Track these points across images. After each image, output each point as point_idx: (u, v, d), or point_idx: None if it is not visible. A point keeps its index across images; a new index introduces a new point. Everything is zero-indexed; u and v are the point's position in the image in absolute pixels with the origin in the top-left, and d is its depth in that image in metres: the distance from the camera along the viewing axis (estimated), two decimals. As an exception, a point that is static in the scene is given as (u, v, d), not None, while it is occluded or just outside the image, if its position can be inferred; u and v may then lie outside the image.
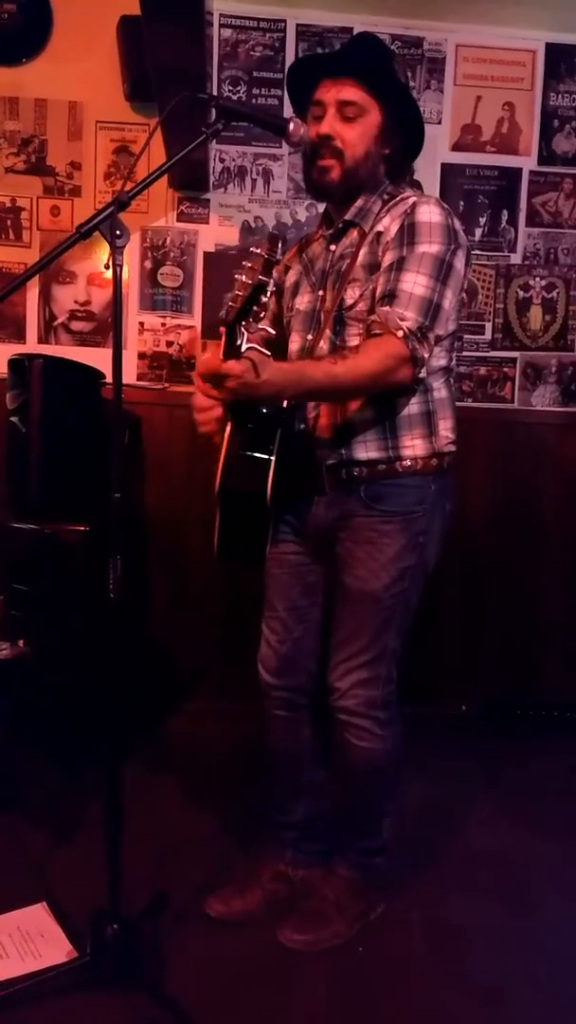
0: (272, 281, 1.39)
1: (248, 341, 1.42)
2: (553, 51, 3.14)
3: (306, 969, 1.78)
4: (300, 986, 1.74)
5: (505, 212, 3.20)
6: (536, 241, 3.22)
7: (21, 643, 2.56)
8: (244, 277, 1.40)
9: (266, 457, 1.65)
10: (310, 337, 1.81)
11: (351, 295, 1.74)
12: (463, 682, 3.26)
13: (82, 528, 2.49)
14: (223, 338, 1.43)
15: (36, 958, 1.72)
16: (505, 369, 3.25)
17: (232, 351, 1.42)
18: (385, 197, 1.77)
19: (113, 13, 2.87)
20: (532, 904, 2.05)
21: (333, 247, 1.82)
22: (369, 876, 1.93)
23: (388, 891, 1.98)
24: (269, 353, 1.46)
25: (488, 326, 3.22)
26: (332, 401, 1.74)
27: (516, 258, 3.22)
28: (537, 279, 3.23)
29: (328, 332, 1.76)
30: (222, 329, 1.43)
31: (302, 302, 1.86)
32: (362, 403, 1.72)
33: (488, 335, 3.22)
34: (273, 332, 1.61)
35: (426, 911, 1.99)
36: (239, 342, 1.41)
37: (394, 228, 1.69)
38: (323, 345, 1.77)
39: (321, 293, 1.82)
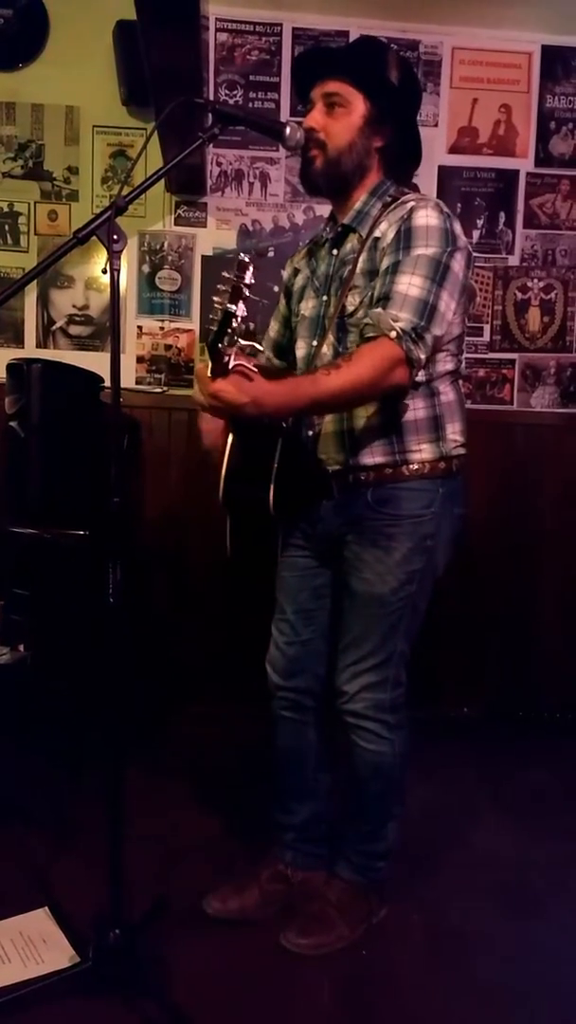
0: (240, 307, 1.38)
1: (236, 358, 1.42)
2: (549, 53, 3.15)
3: (309, 973, 1.77)
4: (302, 990, 1.73)
5: (502, 214, 3.20)
6: (534, 243, 3.22)
7: (21, 648, 2.56)
8: (217, 300, 1.40)
9: (268, 466, 1.63)
10: (314, 343, 1.82)
11: (352, 302, 1.74)
12: (465, 685, 3.26)
13: (81, 533, 2.49)
14: (210, 357, 1.44)
15: (38, 963, 1.72)
16: (504, 371, 3.25)
17: (220, 369, 1.42)
18: (387, 199, 1.76)
19: (109, 18, 2.88)
20: (534, 907, 2.04)
21: (335, 252, 1.82)
22: (371, 880, 1.93)
23: (390, 894, 1.98)
24: (256, 370, 1.45)
25: (486, 328, 3.22)
26: (334, 412, 1.73)
27: (514, 260, 3.22)
28: (535, 281, 3.24)
29: (331, 338, 1.77)
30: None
31: (307, 307, 1.87)
32: (367, 409, 1.71)
33: (486, 337, 3.22)
34: (262, 348, 1.60)
35: (428, 914, 1.99)
36: (226, 359, 1.41)
37: (391, 233, 1.69)
38: (326, 351, 1.77)
39: (325, 299, 1.82)
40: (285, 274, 2.02)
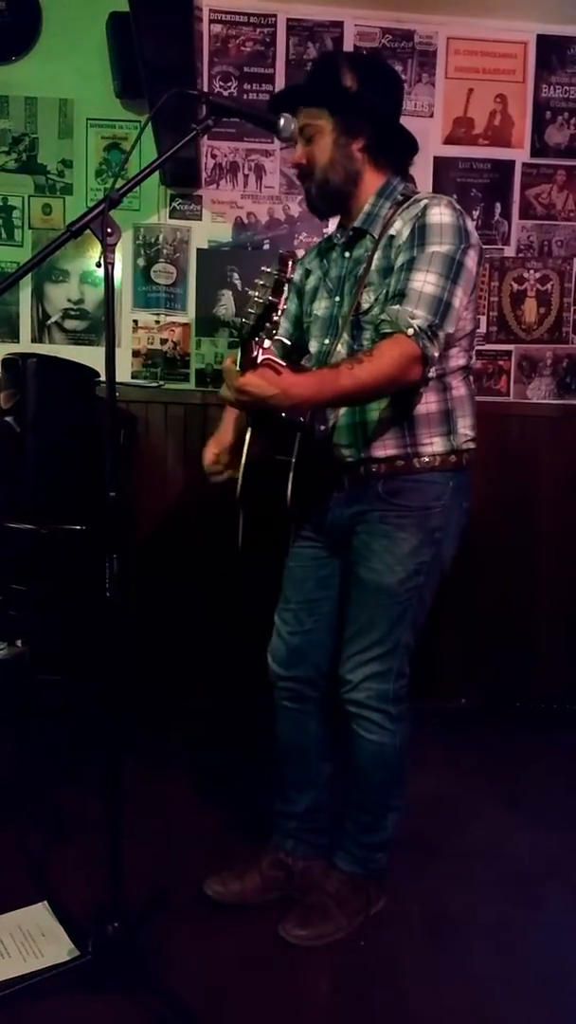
0: (283, 300, 1.44)
1: (264, 353, 1.47)
2: (544, 43, 3.14)
3: (308, 964, 1.78)
4: (302, 981, 1.74)
5: (498, 205, 3.19)
6: (530, 233, 3.21)
7: (19, 643, 2.56)
8: (256, 294, 1.45)
9: (286, 460, 1.65)
10: (327, 341, 1.85)
11: (366, 299, 1.76)
12: (463, 676, 3.27)
13: (78, 527, 2.49)
14: (240, 351, 1.50)
15: (38, 957, 1.72)
16: (500, 362, 3.25)
17: (248, 363, 1.47)
18: (398, 198, 1.78)
19: (102, 10, 2.86)
20: (532, 897, 2.05)
21: (348, 254, 1.85)
22: (370, 871, 1.94)
23: (389, 884, 1.98)
24: (284, 364, 1.50)
25: (483, 319, 3.21)
26: (354, 405, 1.75)
27: (510, 251, 3.22)
28: (531, 271, 3.23)
29: (345, 336, 1.79)
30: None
31: (320, 307, 1.89)
32: (380, 402, 1.74)
33: (483, 328, 3.22)
34: (289, 343, 1.64)
35: (426, 904, 2.00)
36: (255, 354, 1.46)
37: (406, 231, 1.71)
38: (340, 349, 1.80)
39: (338, 299, 1.84)
40: (296, 275, 2.03)
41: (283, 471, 1.64)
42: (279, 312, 1.43)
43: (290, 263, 1.40)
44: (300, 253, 2.10)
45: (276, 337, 1.47)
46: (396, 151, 1.83)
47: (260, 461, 1.68)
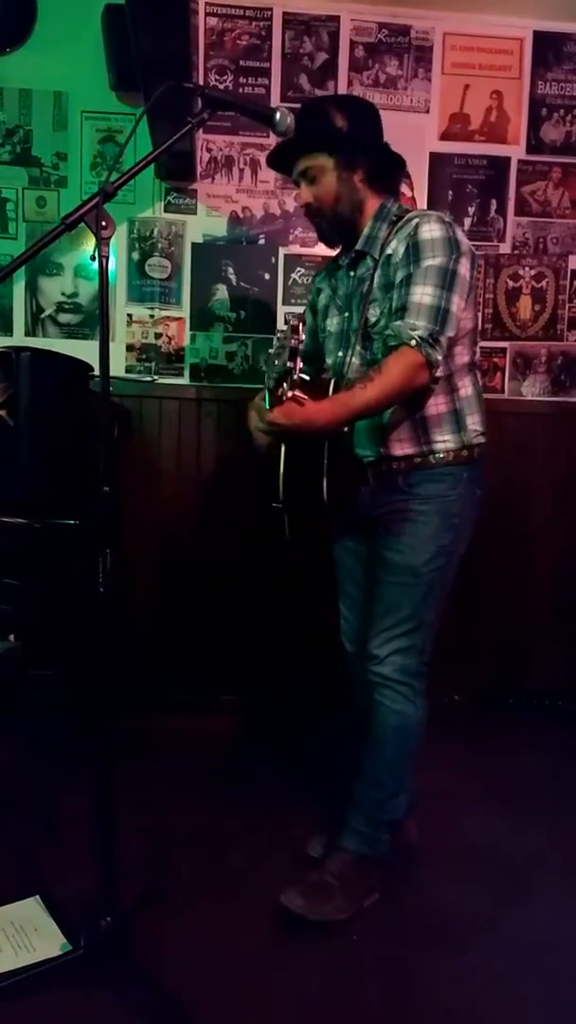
0: (297, 363, 1.67)
1: (288, 390, 1.68)
2: (541, 39, 3.13)
3: (301, 958, 1.78)
4: (294, 976, 1.74)
5: (494, 201, 3.19)
6: (525, 230, 3.22)
7: (11, 638, 2.55)
8: (273, 353, 1.76)
9: (319, 463, 1.83)
10: (341, 354, 2.03)
11: (373, 313, 1.93)
12: (456, 672, 3.27)
13: (71, 522, 2.48)
14: (266, 392, 1.80)
15: (30, 952, 1.72)
16: (495, 359, 3.25)
17: (275, 400, 1.71)
18: (393, 219, 1.95)
19: (98, 2, 2.85)
20: (525, 892, 2.05)
21: (352, 273, 2.03)
22: (374, 851, 1.98)
23: (384, 878, 1.99)
24: (306, 397, 1.69)
25: (478, 316, 3.21)
26: (372, 416, 1.89)
27: (505, 247, 3.22)
28: (526, 269, 3.23)
29: (359, 348, 1.97)
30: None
31: (333, 324, 2.09)
32: (395, 408, 1.90)
33: (479, 325, 3.21)
34: (308, 378, 1.79)
35: (419, 899, 2.00)
36: (279, 393, 1.69)
37: (401, 249, 1.88)
38: (355, 360, 1.98)
39: (347, 314, 2.03)
40: (311, 294, 2.25)
41: (318, 474, 1.82)
42: (296, 372, 1.66)
43: (300, 330, 1.63)
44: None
45: (296, 376, 1.68)
46: (390, 174, 2.02)
47: (296, 468, 1.86)
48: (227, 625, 3.14)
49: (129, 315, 3.12)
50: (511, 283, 3.23)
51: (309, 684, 3.06)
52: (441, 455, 1.95)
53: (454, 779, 2.63)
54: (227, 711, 3.06)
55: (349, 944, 1.84)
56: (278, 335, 1.75)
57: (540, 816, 2.42)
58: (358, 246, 1.98)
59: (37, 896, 1.90)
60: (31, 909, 1.86)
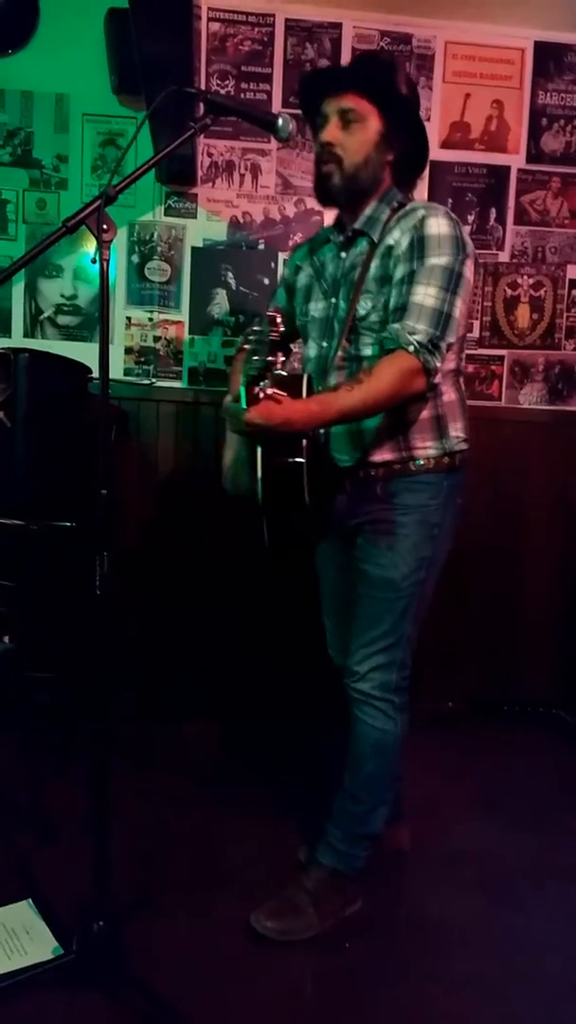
0: (278, 358, 1.59)
1: (264, 389, 1.58)
2: (542, 49, 3.15)
3: (293, 965, 1.78)
4: (286, 981, 1.74)
5: (493, 210, 3.20)
6: (524, 239, 3.23)
7: (7, 640, 2.54)
8: (249, 347, 1.66)
9: (299, 461, 1.72)
10: (325, 345, 1.89)
11: (363, 306, 1.80)
12: (448, 680, 3.28)
13: (68, 524, 2.47)
14: (242, 391, 1.65)
15: (22, 955, 1.71)
16: (493, 367, 3.26)
17: (252, 399, 1.60)
18: (395, 205, 1.83)
19: (100, 5, 2.85)
20: (515, 899, 2.06)
21: (343, 255, 1.88)
22: (350, 867, 1.95)
23: (371, 887, 1.99)
24: (284, 395, 1.59)
25: (476, 324, 3.22)
26: (356, 421, 1.79)
27: (504, 256, 3.23)
28: (525, 277, 3.24)
29: (344, 342, 1.84)
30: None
31: (316, 309, 1.93)
32: None
33: (476, 333, 3.23)
34: (284, 373, 1.69)
35: (410, 907, 2.00)
36: (256, 391, 1.59)
37: (404, 242, 1.75)
38: (339, 355, 1.84)
39: (333, 301, 1.88)
40: (287, 271, 2.09)
41: (297, 473, 1.70)
42: (277, 366, 1.58)
43: (278, 321, 1.56)
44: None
45: (277, 373, 1.59)
46: (415, 172, 1.91)
47: (274, 468, 1.74)
48: (224, 628, 3.13)
49: (128, 318, 3.13)
50: (509, 291, 3.24)
51: (308, 688, 3.05)
52: (422, 462, 1.84)
53: (447, 786, 2.63)
54: (224, 715, 3.06)
55: (340, 951, 1.84)
56: (252, 329, 1.64)
57: (533, 824, 2.42)
58: (357, 225, 1.84)
59: (29, 899, 1.89)
60: (23, 912, 1.86)
